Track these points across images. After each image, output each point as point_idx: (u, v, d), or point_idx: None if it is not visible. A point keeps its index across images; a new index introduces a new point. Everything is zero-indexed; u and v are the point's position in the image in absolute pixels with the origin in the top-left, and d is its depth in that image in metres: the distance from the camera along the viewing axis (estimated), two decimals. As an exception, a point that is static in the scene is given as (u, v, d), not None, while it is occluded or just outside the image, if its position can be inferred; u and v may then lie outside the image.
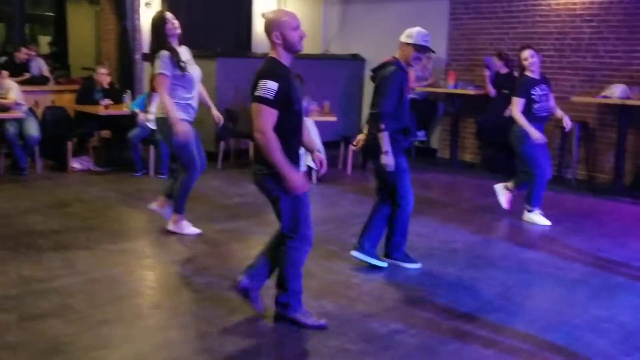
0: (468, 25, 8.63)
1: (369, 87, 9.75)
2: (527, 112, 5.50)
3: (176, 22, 4.85)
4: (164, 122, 4.79)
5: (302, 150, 7.11)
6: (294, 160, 3.36)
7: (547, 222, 5.68)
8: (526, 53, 5.55)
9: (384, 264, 4.42)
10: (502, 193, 6.02)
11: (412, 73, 8.59)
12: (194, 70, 4.93)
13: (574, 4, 7.62)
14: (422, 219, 5.84)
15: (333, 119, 7.87)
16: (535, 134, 5.45)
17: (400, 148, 4.36)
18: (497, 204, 6.02)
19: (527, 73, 5.56)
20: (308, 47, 10.65)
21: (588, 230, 5.57)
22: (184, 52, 4.94)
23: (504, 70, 7.82)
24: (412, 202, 4.41)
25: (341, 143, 8.14)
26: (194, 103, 4.96)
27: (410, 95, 8.60)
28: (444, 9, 8.82)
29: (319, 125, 7.48)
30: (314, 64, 9.12)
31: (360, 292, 3.99)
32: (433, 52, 4.56)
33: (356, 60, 9.79)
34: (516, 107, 5.50)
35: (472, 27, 8.59)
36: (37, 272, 4.07)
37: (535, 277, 4.40)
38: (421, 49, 4.43)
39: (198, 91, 5.05)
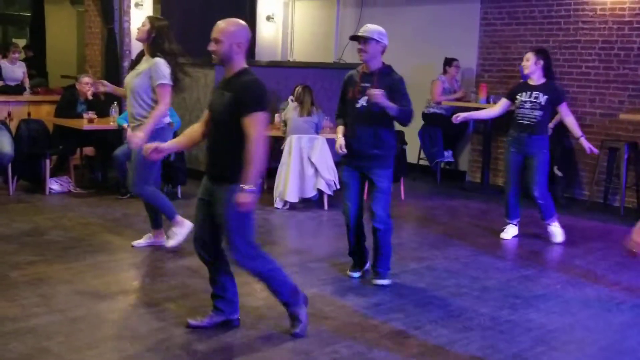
0: (502, 32, 8.72)
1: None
2: (511, 116, 6.16)
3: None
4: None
5: (311, 172, 7.22)
6: None
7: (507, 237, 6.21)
8: (529, 54, 6.03)
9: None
10: (555, 225, 6.17)
11: (438, 85, 8.68)
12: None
13: (622, 9, 7.69)
14: (450, 251, 5.86)
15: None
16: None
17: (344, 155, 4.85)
18: (537, 235, 6.02)
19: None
20: (319, 55, 10.82)
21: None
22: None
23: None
24: (346, 214, 4.91)
25: (356, 164, 8.16)
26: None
27: (436, 110, 8.76)
28: (474, 14, 8.92)
29: (332, 143, 7.51)
30: (326, 73, 9.21)
31: (379, 335, 3.99)
32: (356, 39, 4.75)
33: (373, 70, 9.85)
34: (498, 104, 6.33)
35: (507, 34, 8.67)
36: (9, 310, 4.10)
37: (580, 320, 4.39)
38: (354, 39, 4.80)
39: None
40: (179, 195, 7.46)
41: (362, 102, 4.70)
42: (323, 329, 4.05)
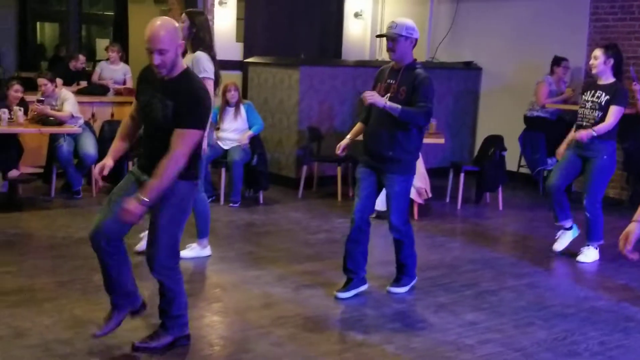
0: (614, 28, 8.42)
1: (486, 102, 9.77)
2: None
3: None
4: None
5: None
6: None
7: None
8: (597, 52, 5.82)
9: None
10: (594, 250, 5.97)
11: (544, 87, 8.44)
12: None
13: None
14: (553, 267, 5.73)
15: (440, 141, 7.85)
16: (560, 148, 6.09)
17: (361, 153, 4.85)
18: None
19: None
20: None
21: None
22: None
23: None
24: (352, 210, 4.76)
25: (450, 171, 8.10)
26: None
27: (540, 114, 8.55)
28: (582, 8, 8.66)
29: (424, 148, 7.45)
30: (418, 74, 9.16)
31: (475, 357, 3.94)
32: (385, 36, 4.72)
33: (470, 69, 9.77)
34: None
35: (619, 30, 8.38)
36: (93, 314, 4.27)
37: None
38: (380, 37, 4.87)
39: None
40: (261, 201, 7.58)
41: (385, 99, 4.64)
42: (414, 346, 4.03)
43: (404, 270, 4.92)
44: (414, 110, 4.53)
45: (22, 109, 7.06)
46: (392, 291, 4.89)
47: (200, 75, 5.10)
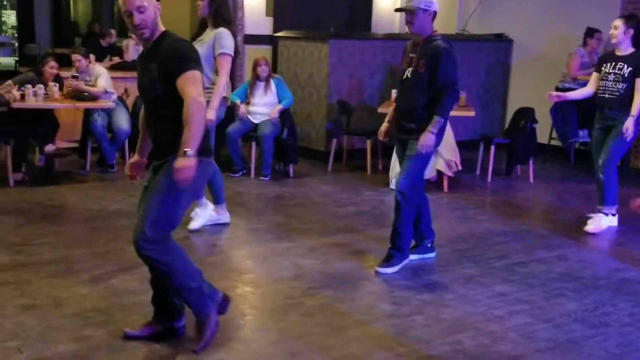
0: (648, -2, 8.24)
1: (516, 74, 9.65)
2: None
3: None
4: None
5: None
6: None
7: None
8: (617, 22, 5.80)
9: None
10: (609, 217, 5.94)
11: (576, 58, 8.29)
12: None
13: None
14: (584, 239, 5.68)
15: (471, 113, 7.79)
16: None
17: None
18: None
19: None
20: (441, 26, 10.57)
21: None
22: None
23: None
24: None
25: (480, 143, 8.03)
26: None
27: (571, 85, 8.40)
28: (616, -22, 8.48)
29: (453, 121, 7.42)
30: (448, 46, 9.07)
31: (504, 328, 3.93)
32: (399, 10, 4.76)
33: (501, 41, 9.63)
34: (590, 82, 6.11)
35: (654, 0, 8.20)
36: (129, 283, 4.35)
37: None
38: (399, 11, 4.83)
39: None
40: (291, 174, 7.60)
41: (407, 73, 4.66)
42: (444, 317, 4.03)
43: (396, 243, 4.77)
44: (444, 104, 4.55)
45: (57, 84, 7.14)
46: (381, 272, 4.72)
47: (220, 51, 5.11)
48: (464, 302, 4.28)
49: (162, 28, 3.36)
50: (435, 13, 4.64)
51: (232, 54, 5.18)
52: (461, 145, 7.47)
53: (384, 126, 4.95)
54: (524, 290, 4.51)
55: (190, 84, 3.19)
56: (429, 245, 5.04)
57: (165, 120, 3.32)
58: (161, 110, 3.35)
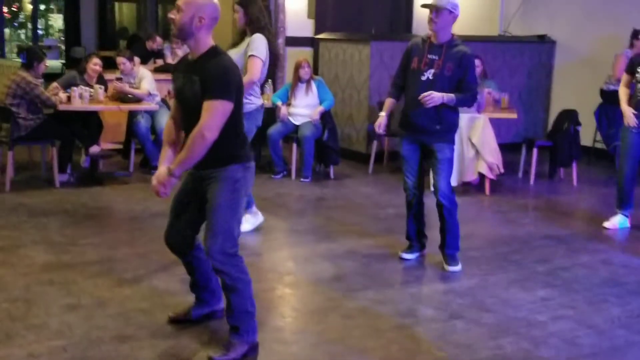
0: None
1: (560, 76, 9.50)
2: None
3: None
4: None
5: (472, 154, 7.06)
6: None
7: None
8: None
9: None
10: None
11: (622, 60, 8.10)
12: None
13: None
14: (629, 244, 5.59)
15: (513, 116, 7.68)
16: (627, 114, 5.77)
17: (402, 128, 4.83)
18: None
19: None
20: (483, 27, 10.55)
21: None
22: None
23: None
24: (406, 189, 4.93)
25: (523, 146, 7.92)
26: None
27: (616, 87, 8.18)
28: (663, -23, 8.29)
29: (496, 123, 7.35)
30: (490, 47, 8.97)
31: (547, 333, 3.87)
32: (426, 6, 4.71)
33: (544, 42, 9.49)
34: (621, 82, 6.02)
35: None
36: (170, 284, 4.39)
37: None
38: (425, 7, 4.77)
39: None
40: (332, 176, 7.60)
41: (428, 74, 4.64)
42: (485, 321, 3.98)
43: (451, 246, 4.84)
44: (464, 96, 4.65)
45: (102, 87, 7.25)
46: (452, 270, 4.80)
47: (250, 53, 5.13)
48: (506, 306, 4.22)
49: (209, 43, 3.35)
50: (456, 18, 4.67)
51: (263, 58, 5.17)
52: (503, 147, 7.38)
53: (385, 120, 4.93)
54: (567, 295, 4.43)
55: (211, 113, 3.23)
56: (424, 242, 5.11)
57: None
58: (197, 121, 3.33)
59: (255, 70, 5.11)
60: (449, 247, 4.86)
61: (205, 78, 3.26)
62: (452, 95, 4.58)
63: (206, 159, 3.35)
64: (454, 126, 4.80)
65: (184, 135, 3.47)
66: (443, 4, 4.56)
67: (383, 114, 4.93)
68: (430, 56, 4.66)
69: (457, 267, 4.82)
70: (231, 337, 3.49)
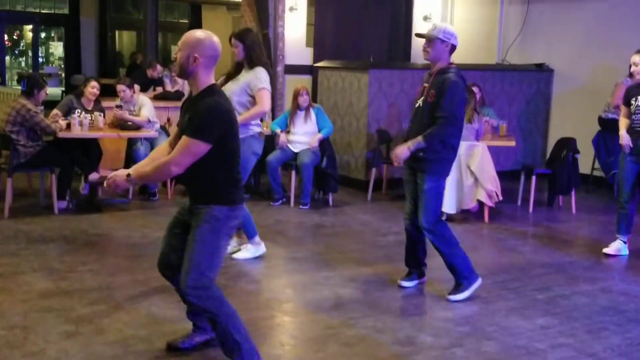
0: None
1: (558, 104, 9.56)
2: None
3: None
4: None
5: (470, 182, 7.08)
6: None
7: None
8: (636, 57, 5.83)
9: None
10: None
11: (621, 89, 8.14)
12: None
13: None
14: (628, 272, 5.59)
15: (511, 143, 7.73)
16: (623, 138, 5.85)
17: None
18: None
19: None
20: (482, 56, 10.64)
21: None
22: None
23: None
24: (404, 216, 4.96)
25: (522, 174, 7.95)
26: None
27: (615, 116, 8.25)
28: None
29: (494, 151, 7.39)
30: (488, 76, 9.05)
31: (547, 361, 3.86)
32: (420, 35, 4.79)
33: (541, 71, 9.57)
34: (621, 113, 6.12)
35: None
36: (169, 312, 4.38)
37: None
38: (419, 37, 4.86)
39: None
40: (331, 203, 7.61)
41: (420, 102, 4.72)
42: (485, 349, 3.97)
43: (457, 274, 4.79)
44: (434, 131, 4.58)
45: (102, 114, 7.30)
46: (452, 299, 4.74)
47: (259, 86, 5.23)
48: (506, 334, 4.22)
49: (207, 82, 3.38)
50: (453, 47, 4.70)
51: (270, 90, 5.33)
52: (502, 175, 7.41)
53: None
54: (566, 323, 4.42)
55: (181, 149, 3.28)
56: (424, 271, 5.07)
57: (196, 167, 3.34)
58: None
59: (266, 101, 5.27)
60: (460, 277, 4.79)
61: (192, 115, 3.31)
62: (418, 139, 4.59)
63: (194, 193, 3.48)
64: (441, 159, 4.68)
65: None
66: (434, 34, 4.63)
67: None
68: (425, 84, 4.74)
69: (457, 296, 4.75)
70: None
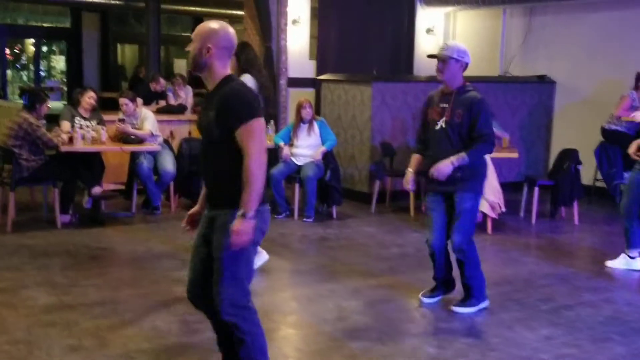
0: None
1: (560, 116, 9.59)
2: None
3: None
4: None
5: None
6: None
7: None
8: None
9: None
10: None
11: (626, 101, 8.16)
12: None
13: None
14: (632, 283, 5.60)
15: (514, 155, 7.76)
16: (633, 146, 5.70)
17: (426, 181, 4.76)
18: None
19: None
20: (484, 68, 10.67)
21: None
22: None
23: None
24: (429, 245, 4.82)
25: (524, 185, 7.98)
26: None
27: (618, 127, 8.30)
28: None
29: (497, 162, 7.41)
30: (491, 88, 9.05)
31: (551, 372, 3.88)
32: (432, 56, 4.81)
33: (544, 82, 9.61)
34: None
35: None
36: (173, 325, 4.40)
37: None
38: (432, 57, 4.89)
39: None
40: (334, 216, 7.63)
41: (441, 123, 4.63)
42: (488, 361, 4.00)
43: (469, 292, 4.80)
44: (479, 147, 4.58)
45: (104, 127, 7.34)
46: (455, 310, 4.75)
47: None
48: (510, 345, 4.23)
49: (223, 73, 3.20)
50: (466, 65, 4.70)
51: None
52: (505, 186, 7.44)
53: (412, 176, 4.88)
54: (570, 334, 4.44)
55: (251, 138, 3.06)
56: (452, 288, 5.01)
57: (220, 166, 3.18)
58: (217, 155, 3.19)
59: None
60: (471, 295, 4.78)
61: (221, 108, 3.09)
62: (462, 155, 4.52)
63: (215, 197, 3.24)
64: (478, 174, 4.69)
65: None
66: (448, 54, 4.62)
67: (410, 170, 4.89)
68: (441, 105, 4.68)
69: (463, 309, 4.75)
70: None
